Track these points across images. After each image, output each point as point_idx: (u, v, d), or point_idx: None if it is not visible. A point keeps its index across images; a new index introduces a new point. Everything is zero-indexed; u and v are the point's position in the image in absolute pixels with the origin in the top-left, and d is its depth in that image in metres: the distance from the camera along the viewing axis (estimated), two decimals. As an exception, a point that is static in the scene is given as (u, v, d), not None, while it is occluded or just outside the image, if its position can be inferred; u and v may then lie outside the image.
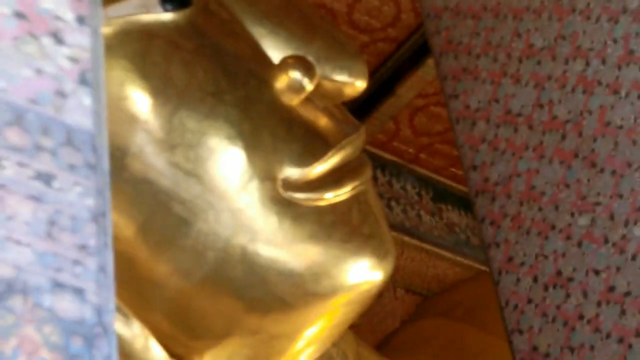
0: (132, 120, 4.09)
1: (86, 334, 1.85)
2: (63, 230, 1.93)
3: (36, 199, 1.94)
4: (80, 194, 2.00)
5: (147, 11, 4.21)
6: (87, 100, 2.12)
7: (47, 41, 2.13)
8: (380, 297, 4.84)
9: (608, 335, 3.77)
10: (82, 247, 1.94)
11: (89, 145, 2.05)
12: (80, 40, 2.17)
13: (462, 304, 6.33)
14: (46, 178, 1.98)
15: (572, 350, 3.87)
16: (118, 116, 4.00)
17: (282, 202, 4.15)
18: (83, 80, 2.13)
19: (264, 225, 4.13)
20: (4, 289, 1.81)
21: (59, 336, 1.82)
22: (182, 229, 4.15)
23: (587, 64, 4.19)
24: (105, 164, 2.10)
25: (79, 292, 1.88)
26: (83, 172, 2.02)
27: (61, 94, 2.10)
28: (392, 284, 5.51)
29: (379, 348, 5.77)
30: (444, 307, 6.46)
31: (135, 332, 4.24)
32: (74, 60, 2.15)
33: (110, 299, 1.94)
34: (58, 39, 2.14)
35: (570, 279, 3.95)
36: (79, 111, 2.09)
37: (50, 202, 1.96)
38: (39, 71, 2.09)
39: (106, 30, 3.00)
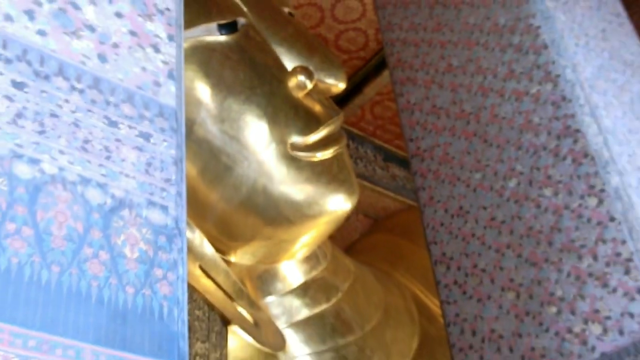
0: (198, 102, 4.07)
1: (168, 234, 1.86)
2: (155, 169, 1.94)
3: (139, 149, 1.95)
4: (167, 147, 2.00)
5: (210, 34, 4.19)
6: (172, 88, 2.12)
7: (149, 50, 2.12)
8: (348, 219, 4.83)
9: (489, 247, 3.78)
10: (167, 180, 1.94)
11: (173, 116, 2.05)
12: (169, 51, 2.16)
13: (399, 225, 6.33)
14: (146, 136, 1.98)
15: (466, 255, 3.88)
16: (189, 100, 3.98)
17: (290, 158, 4.14)
18: (170, 76, 2.13)
19: (278, 172, 4.13)
20: (118, 204, 1.82)
21: (151, 235, 1.83)
22: (226, 172, 4.14)
23: (485, 77, 4.17)
24: (183, 128, 2.11)
25: (164, 208, 1.89)
26: (169, 133, 2.02)
27: (157, 84, 2.09)
28: (355, 211, 5.50)
29: (345, 251, 5.77)
30: (388, 227, 6.46)
31: (195, 235, 4.23)
32: (165, 63, 2.15)
33: (184, 213, 1.95)
34: (156, 49, 2.14)
35: (467, 212, 3.96)
36: (168, 95, 2.09)
37: (148, 151, 1.96)
38: (143, 69, 2.08)
39: (184, 45, 2.99)
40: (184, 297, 1.82)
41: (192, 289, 4.32)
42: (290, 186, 4.16)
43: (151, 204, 1.85)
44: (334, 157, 4.31)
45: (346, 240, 6.46)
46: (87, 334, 1.60)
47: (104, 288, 1.67)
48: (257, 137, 4.11)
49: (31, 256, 1.62)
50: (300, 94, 4.23)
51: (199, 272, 4.30)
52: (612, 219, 3.36)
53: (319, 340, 4.75)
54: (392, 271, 5.74)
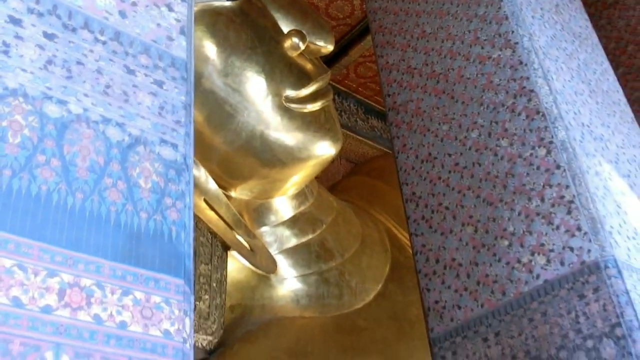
0: (205, 58, 4.01)
1: (177, 168, 1.83)
2: (167, 112, 1.90)
3: (154, 94, 1.90)
4: (178, 93, 1.96)
5: (217, 0, 4.12)
6: (183, 42, 2.07)
7: (164, 9, 2.07)
8: (332, 163, 4.82)
9: (453, 188, 3.77)
10: (177, 122, 1.91)
11: (183, 66, 2.01)
12: (182, 10, 2.10)
13: (376, 169, 6.32)
14: (159, 83, 1.94)
15: (433, 195, 3.87)
16: (198, 56, 3.92)
17: (284, 109, 4.11)
18: (182, 32, 2.07)
19: (273, 120, 4.10)
20: (134, 141, 1.79)
21: (162, 168, 1.80)
22: (229, 119, 4.11)
23: (453, 43, 4.11)
24: (192, 78, 2.06)
25: (174, 145, 1.86)
26: (180, 81, 1.98)
27: (170, 38, 2.04)
28: (339, 156, 5.48)
29: (329, 190, 5.77)
30: (366, 170, 6.45)
31: (200, 172, 4.22)
32: (177, 20, 2.09)
33: (191, 151, 1.92)
34: (170, 8, 2.08)
35: (435, 158, 3.94)
36: (179, 48, 2.04)
37: (161, 96, 1.92)
38: (158, 25, 2.03)
39: (195, 8, 2.93)
40: (190, 223, 1.80)
41: (197, 219, 4.33)
42: (283, 133, 4.14)
43: (163, 142, 1.83)
44: (322, 109, 4.30)
45: (330, 180, 6.46)
46: (106, 252, 1.59)
47: (121, 213, 1.66)
48: (256, 90, 4.08)
49: (58, 184, 1.60)
50: (294, 54, 4.20)
51: (203, 204, 4.30)
52: (558, 167, 3.36)
53: (305, 265, 4.79)
54: (369, 208, 5.75)
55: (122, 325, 1.52)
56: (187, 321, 1.64)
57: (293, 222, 4.80)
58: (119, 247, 1.61)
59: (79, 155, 1.66)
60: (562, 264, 3.19)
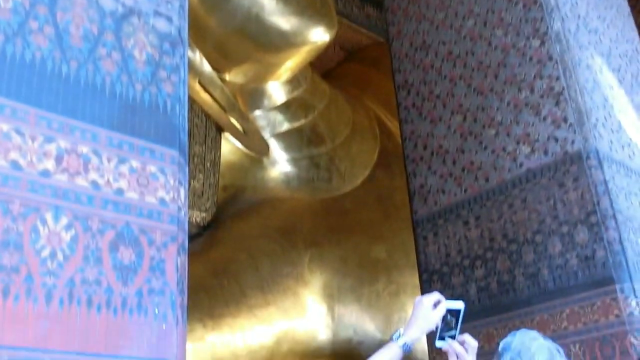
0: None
1: (171, 41, 1.78)
2: (162, -15, 1.83)
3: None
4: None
5: None
6: None
7: None
8: (326, 50, 4.74)
9: (445, 77, 3.72)
10: (172, -6, 1.84)
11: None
12: None
13: (369, 58, 6.21)
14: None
15: (425, 83, 3.84)
16: None
17: (280, -6, 4.02)
18: None
19: (269, 3, 4.02)
20: (128, 12, 1.73)
21: (157, 41, 1.76)
22: (223, 0, 4.03)
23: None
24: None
25: (169, 18, 1.80)
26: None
27: None
28: (333, 43, 5.35)
29: (323, 77, 5.70)
30: (360, 58, 6.36)
31: (196, 55, 4.16)
32: None
33: (185, 24, 1.85)
34: None
35: (429, 46, 3.87)
36: None
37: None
38: None
39: None
40: (184, 97, 1.77)
41: (192, 101, 4.29)
42: (279, 17, 4.07)
43: (157, 13, 1.77)
44: (318, -6, 4.21)
45: (324, 68, 6.37)
46: (102, 121, 1.57)
47: (116, 83, 1.63)
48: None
49: (52, 51, 1.56)
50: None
51: (198, 86, 4.27)
52: (551, 59, 3.32)
53: (296, 149, 4.82)
54: (361, 95, 5.72)
55: (119, 191, 1.53)
56: (182, 190, 1.65)
57: (286, 107, 4.78)
58: (114, 116, 1.59)
59: (72, 23, 1.61)
60: (545, 153, 3.21)
